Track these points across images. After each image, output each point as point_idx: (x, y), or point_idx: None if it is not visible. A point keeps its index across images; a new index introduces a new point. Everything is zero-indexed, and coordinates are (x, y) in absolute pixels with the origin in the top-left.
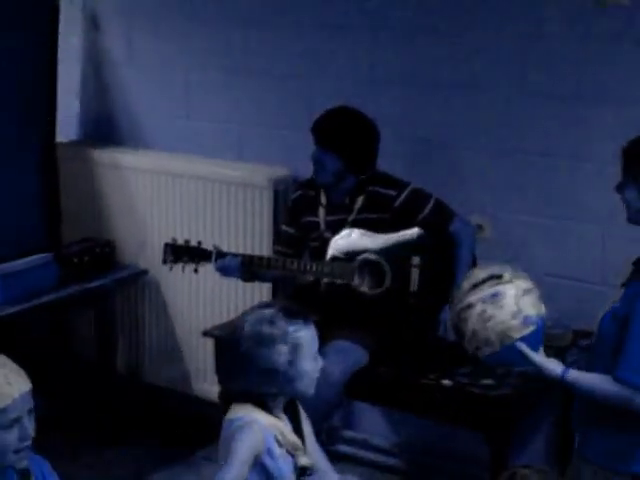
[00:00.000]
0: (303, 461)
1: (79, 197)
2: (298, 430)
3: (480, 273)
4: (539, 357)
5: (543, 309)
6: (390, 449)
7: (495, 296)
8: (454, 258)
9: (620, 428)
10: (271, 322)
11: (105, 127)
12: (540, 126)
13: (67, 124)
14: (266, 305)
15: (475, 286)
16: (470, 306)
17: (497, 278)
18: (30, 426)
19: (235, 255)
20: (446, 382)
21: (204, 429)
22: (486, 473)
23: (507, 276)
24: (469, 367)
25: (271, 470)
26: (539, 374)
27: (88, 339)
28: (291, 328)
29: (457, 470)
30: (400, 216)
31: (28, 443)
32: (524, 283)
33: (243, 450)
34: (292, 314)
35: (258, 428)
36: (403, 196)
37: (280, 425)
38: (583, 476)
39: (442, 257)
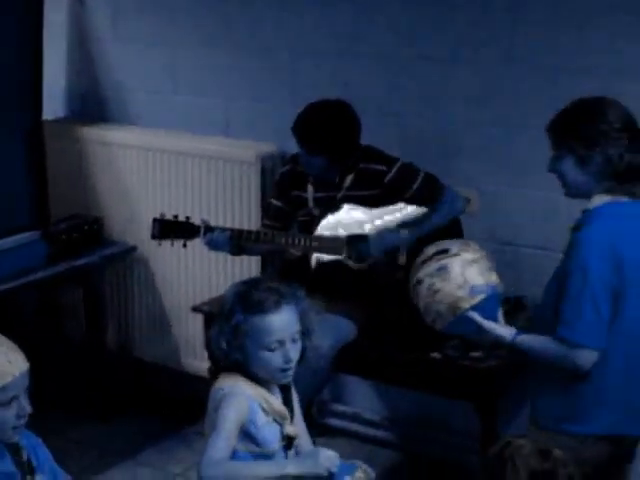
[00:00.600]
0: (290, 430)
1: (66, 174)
2: (288, 401)
3: (429, 249)
4: (489, 324)
5: (494, 277)
6: (380, 422)
7: (441, 269)
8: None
9: (568, 390)
10: (232, 296)
11: (91, 104)
12: (524, 98)
13: (53, 101)
14: (255, 281)
15: (424, 262)
16: (419, 282)
17: (444, 252)
18: (27, 403)
19: (223, 229)
20: (435, 355)
21: (194, 405)
22: (477, 444)
23: (454, 249)
24: (457, 340)
25: (257, 438)
26: (493, 340)
27: (77, 316)
28: (239, 314)
29: (448, 442)
30: (390, 191)
31: (25, 420)
32: (471, 254)
33: (229, 420)
34: (261, 298)
35: (243, 397)
36: (393, 171)
37: (265, 394)
38: (539, 440)
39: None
